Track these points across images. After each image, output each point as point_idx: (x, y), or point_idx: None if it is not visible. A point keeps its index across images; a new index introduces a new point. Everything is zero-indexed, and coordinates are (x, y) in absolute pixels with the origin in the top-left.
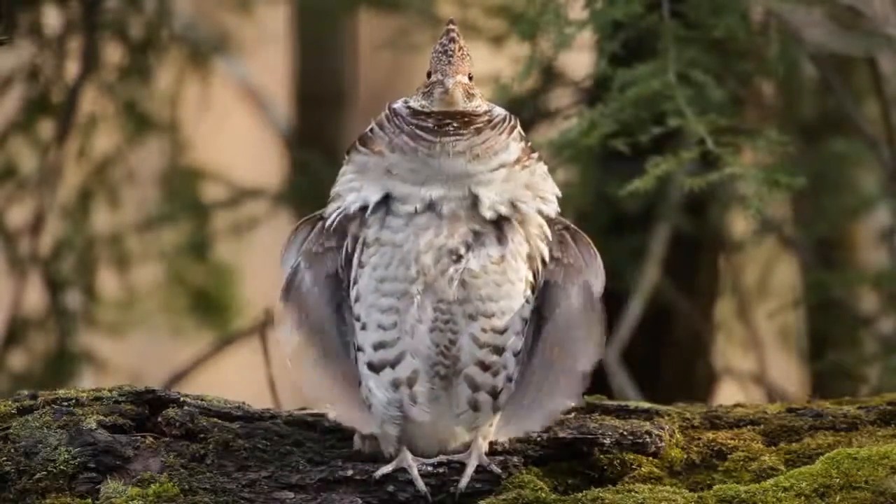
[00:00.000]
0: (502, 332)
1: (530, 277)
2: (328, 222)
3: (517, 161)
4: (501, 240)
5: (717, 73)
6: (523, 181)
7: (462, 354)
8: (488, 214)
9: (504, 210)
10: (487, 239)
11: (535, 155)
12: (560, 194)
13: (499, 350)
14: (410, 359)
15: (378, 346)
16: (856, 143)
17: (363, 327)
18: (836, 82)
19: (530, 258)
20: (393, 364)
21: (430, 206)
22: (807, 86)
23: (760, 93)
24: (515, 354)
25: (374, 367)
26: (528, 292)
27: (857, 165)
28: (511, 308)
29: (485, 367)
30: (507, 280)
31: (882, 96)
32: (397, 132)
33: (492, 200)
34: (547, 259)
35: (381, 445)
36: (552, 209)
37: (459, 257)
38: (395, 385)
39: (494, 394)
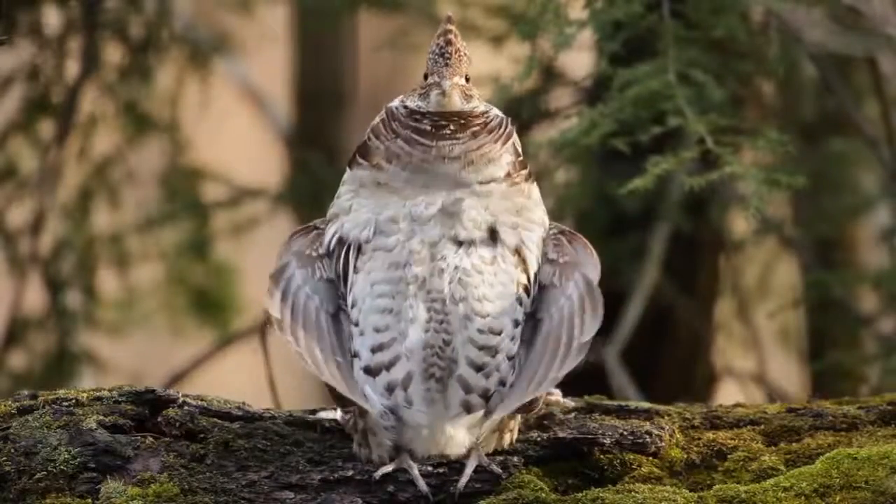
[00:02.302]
0: (498, 332)
1: (523, 280)
2: (325, 241)
3: (507, 176)
4: (493, 242)
5: (717, 73)
6: (514, 206)
7: (457, 356)
8: (464, 235)
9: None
10: (479, 240)
11: (525, 172)
12: (548, 223)
13: (493, 352)
14: (405, 360)
15: (375, 350)
16: (856, 143)
17: (361, 332)
18: (836, 82)
19: (522, 261)
20: (388, 367)
21: (423, 215)
22: (807, 86)
23: (760, 93)
24: (510, 358)
25: (371, 371)
26: (522, 294)
27: (857, 165)
28: (505, 309)
29: (478, 368)
30: (500, 281)
31: (882, 96)
32: (393, 137)
33: (476, 223)
34: (533, 269)
35: (374, 451)
36: (533, 248)
37: (452, 256)
38: (391, 388)
39: (486, 396)
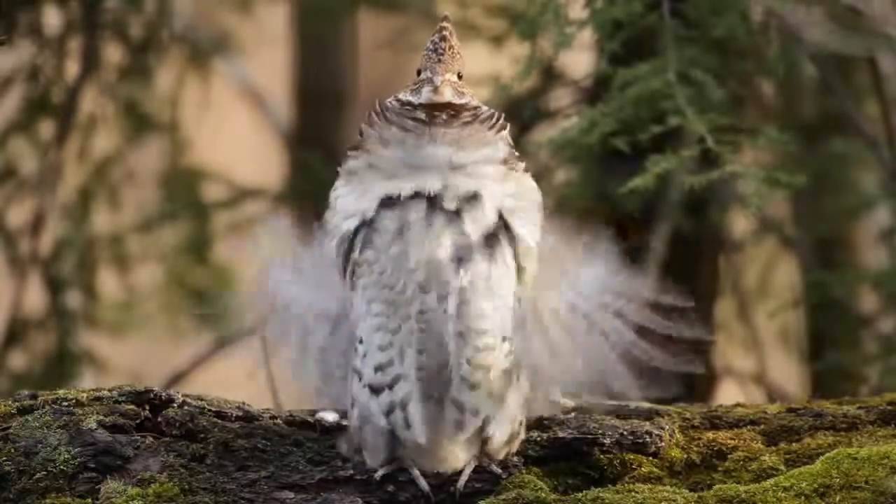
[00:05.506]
0: (493, 349)
1: (517, 288)
2: (319, 241)
3: (503, 162)
4: (491, 255)
5: (717, 72)
6: (510, 191)
7: (452, 375)
8: (453, 205)
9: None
10: (476, 254)
11: (522, 164)
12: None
13: (487, 369)
14: (404, 382)
15: (377, 369)
16: (856, 143)
17: (365, 351)
18: (836, 82)
19: (519, 271)
20: (390, 386)
21: (416, 209)
22: (807, 86)
23: (760, 93)
24: (506, 372)
25: (375, 390)
26: (516, 304)
27: (857, 165)
28: (501, 325)
29: (472, 386)
30: (497, 296)
31: (882, 96)
32: (387, 125)
33: (469, 192)
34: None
35: (369, 460)
36: (531, 241)
37: (449, 272)
38: (391, 408)
39: (475, 413)
